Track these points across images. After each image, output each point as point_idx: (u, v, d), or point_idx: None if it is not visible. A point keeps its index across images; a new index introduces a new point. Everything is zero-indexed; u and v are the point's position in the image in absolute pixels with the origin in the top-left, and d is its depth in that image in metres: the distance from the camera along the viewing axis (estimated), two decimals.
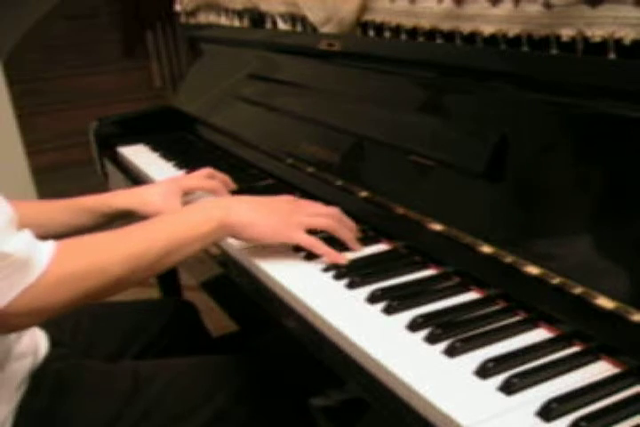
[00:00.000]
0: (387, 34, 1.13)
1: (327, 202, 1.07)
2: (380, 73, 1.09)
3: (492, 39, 0.91)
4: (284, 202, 0.93)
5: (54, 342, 1.01)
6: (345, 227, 0.91)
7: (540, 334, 0.69)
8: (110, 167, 1.59)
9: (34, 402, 0.89)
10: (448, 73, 0.96)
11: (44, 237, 1.09)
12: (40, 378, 0.92)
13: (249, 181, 1.25)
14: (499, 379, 0.62)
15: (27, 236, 0.76)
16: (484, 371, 0.63)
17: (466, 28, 0.94)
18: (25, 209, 1.07)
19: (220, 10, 1.73)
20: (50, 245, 0.77)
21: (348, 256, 0.88)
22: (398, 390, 0.64)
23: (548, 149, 0.79)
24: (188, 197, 1.13)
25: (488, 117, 0.88)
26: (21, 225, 1.02)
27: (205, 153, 1.48)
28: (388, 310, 0.75)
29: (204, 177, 1.14)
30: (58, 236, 1.09)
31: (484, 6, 0.90)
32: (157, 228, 0.86)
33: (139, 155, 1.51)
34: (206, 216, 0.87)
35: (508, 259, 0.75)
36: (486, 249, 0.78)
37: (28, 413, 0.88)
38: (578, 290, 0.67)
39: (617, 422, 0.56)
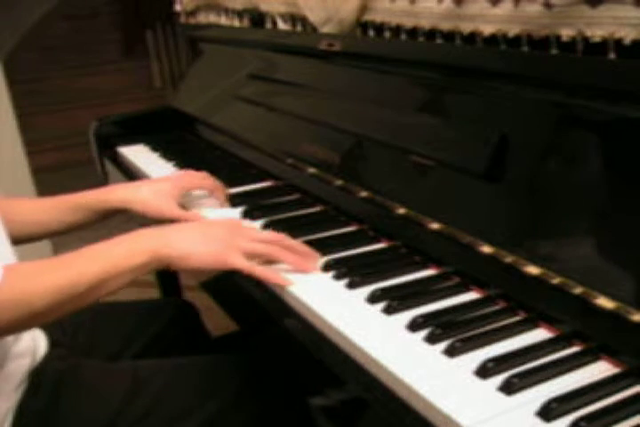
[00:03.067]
0: (387, 34, 1.13)
1: (327, 202, 1.07)
2: (380, 73, 1.09)
3: (492, 39, 0.91)
4: (222, 226, 0.90)
5: (54, 343, 1.01)
6: (291, 251, 0.86)
7: (540, 334, 0.70)
8: (110, 167, 1.59)
9: (33, 402, 0.89)
10: (448, 73, 0.96)
11: (42, 234, 1.09)
12: (39, 378, 0.92)
13: (249, 181, 1.25)
14: (499, 379, 0.62)
15: None
16: (484, 371, 0.63)
17: (466, 28, 0.94)
18: (22, 207, 1.07)
19: (220, 10, 1.73)
20: None
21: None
22: (398, 390, 0.64)
23: (547, 150, 0.79)
24: (184, 198, 1.13)
25: (488, 117, 0.87)
26: (18, 223, 1.03)
27: (205, 153, 1.48)
28: (388, 310, 0.75)
29: (200, 177, 1.15)
30: (55, 233, 1.10)
31: (483, 6, 0.90)
32: (87, 260, 0.82)
33: (139, 155, 1.51)
34: (140, 247, 0.83)
35: (508, 259, 0.75)
36: (486, 249, 0.78)
37: (27, 412, 0.88)
38: (578, 290, 0.67)
39: (617, 422, 0.56)
